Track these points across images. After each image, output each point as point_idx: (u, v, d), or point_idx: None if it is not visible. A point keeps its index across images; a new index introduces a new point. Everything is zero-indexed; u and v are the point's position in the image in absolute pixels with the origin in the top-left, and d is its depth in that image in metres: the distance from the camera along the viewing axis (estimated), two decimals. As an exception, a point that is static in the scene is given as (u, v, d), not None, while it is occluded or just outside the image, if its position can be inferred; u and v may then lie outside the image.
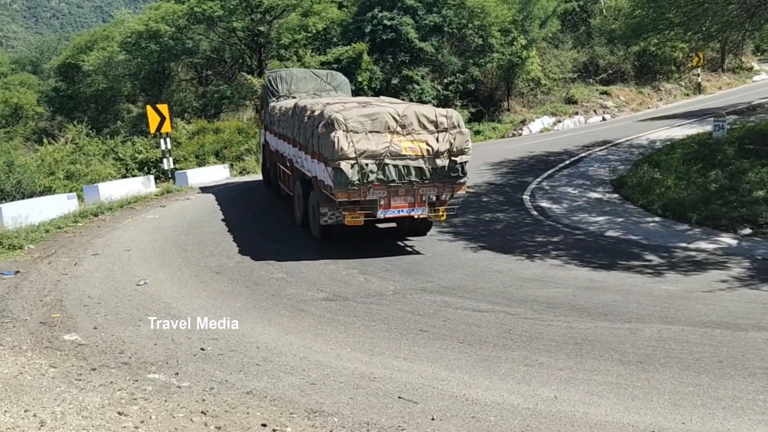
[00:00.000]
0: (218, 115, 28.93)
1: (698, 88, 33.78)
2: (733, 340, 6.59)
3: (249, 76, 26.29)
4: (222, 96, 28.25)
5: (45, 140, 24.23)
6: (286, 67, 24.51)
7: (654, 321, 7.28)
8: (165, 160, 19.05)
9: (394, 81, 26.82)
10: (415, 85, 26.78)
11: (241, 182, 19.68)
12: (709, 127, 17.73)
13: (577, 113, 29.31)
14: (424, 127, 10.16)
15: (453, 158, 10.19)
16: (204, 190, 17.83)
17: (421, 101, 24.73)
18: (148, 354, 6.62)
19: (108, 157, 23.81)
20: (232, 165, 22.42)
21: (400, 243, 11.58)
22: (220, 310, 7.91)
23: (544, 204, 14.65)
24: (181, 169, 21.43)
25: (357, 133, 9.80)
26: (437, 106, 26.26)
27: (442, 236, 12.18)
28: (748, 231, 11.95)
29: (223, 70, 33.02)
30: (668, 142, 18.87)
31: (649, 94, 32.35)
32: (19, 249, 11.46)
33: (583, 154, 19.51)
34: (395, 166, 9.99)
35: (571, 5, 32.82)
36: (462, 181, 10.43)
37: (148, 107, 18.37)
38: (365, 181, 9.82)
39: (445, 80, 27.59)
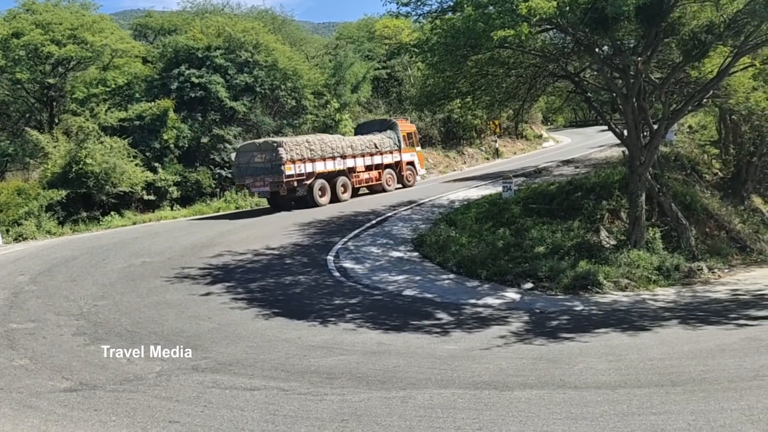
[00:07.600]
0: (1, 174, 25.58)
1: (496, 153, 37.00)
2: (498, 401, 6.51)
3: (35, 133, 23.60)
4: (3, 153, 25.04)
5: None
6: (80, 122, 22.56)
7: (429, 386, 7.05)
8: None
9: (204, 140, 25.81)
10: (227, 144, 25.97)
11: (14, 251, 17.15)
12: (500, 188, 19.02)
13: (389, 174, 30.30)
14: (267, 150, 21.58)
15: (274, 163, 21.21)
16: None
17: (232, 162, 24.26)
18: None
19: None
20: (7, 231, 19.59)
21: (188, 312, 10.56)
22: None
23: (348, 264, 14.41)
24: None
25: (242, 153, 22.44)
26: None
27: (235, 303, 11.37)
28: (530, 285, 12.62)
29: (8, 125, 29.47)
30: (465, 202, 19.90)
31: (454, 158, 34.68)
32: None
33: (390, 214, 19.88)
34: (253, 167, 21.73)
35: (380, 73, 34.52)
36: (280, 174, 21.13)
37: None
38: (241, 174, 22.25)
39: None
